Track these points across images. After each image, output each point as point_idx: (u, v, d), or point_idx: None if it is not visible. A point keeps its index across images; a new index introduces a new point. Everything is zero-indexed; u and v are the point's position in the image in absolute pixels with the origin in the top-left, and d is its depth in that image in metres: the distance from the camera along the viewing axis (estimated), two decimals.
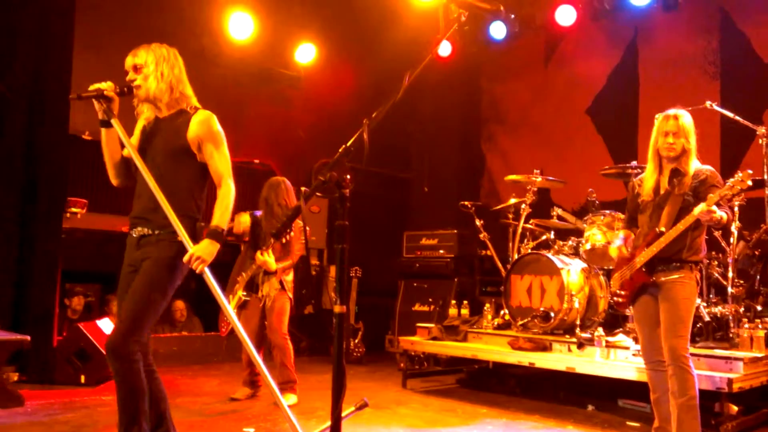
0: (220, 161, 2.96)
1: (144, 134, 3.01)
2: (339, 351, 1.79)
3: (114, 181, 3.06)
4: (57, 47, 5.48)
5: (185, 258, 2.78)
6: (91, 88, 2.82)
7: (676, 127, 3.45)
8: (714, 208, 3.21)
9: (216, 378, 5.69)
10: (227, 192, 2.94)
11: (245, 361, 4.83)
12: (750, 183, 3.25)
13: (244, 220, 4.96)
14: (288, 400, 4.63)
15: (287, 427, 3.84)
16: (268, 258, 4.71)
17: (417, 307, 7.03)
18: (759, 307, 4.80)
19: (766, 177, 4.91)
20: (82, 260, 6.14)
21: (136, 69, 2.92)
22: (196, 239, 2.84)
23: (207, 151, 2.95)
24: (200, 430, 3.86)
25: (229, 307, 2.79)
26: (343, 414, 2.28)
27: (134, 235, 2.94)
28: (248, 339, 2.78)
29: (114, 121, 2.84)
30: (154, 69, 2.90)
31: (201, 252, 2.79)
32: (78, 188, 5.67)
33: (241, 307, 4.84)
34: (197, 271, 2.79)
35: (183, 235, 2.78)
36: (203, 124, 2.94)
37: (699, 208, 3.23)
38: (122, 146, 2.92)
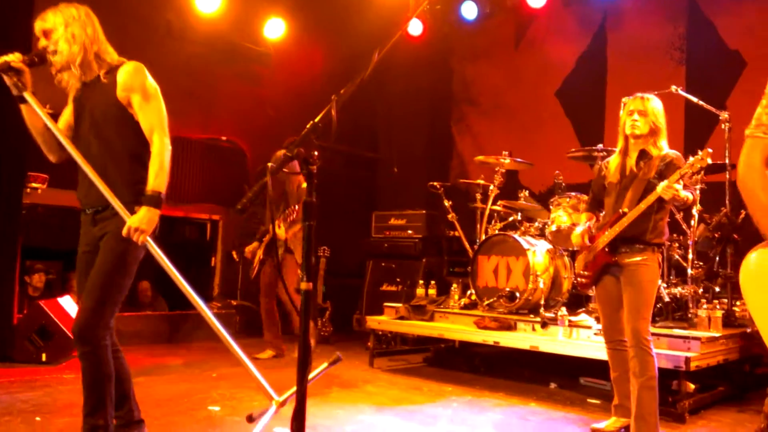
0: (150, 113, 2.72)
1: (76, 105, 2.82)
2: (305, 328, 1.79)
3: (51, 158, 2.87)
4: (16, 20, 5.29)
5: (123, 231, 2.59)
6: None
7: (642, 106, 3.50)
8: (677, 186, 3.26)
9: (181, 357, 5.65)
10: (161, 148, 2.69)
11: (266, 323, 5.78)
12: (709, 161, 3.31)
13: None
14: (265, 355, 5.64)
15: (254, 405, 3.85)
16: (277, 230, 5.56)
17: (385, 287, 7.07)
18: (717, 288, 4.95)
19: (727, 161, 5.02)
20: (43, 237, 6.01)
21: (46, 34, 2.71)
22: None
23: (135, 102, 2.72)
24: (165, 409, 3.83)
25: (183, 279, 2.61)
26: (317, 370, 2.27)
27: (88, 212, 2.78)
28: (211, 313, 2.70)
29: (27, 95, 2.64)
30: (64, 31, 2.69)
31: (139, 222, 2.60)
32: (38, 163, 5.51)
33: (262, 263, 5.79)
34: (139, 243, 2.61)
35: (118, 207, 2.60)
36: (130, 75, 2.73)
37: (661, 186, 3.29)
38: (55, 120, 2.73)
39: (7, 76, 2.62)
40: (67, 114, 2.86)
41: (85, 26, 2.74)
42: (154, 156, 2.71)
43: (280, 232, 5.59)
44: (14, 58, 2.62)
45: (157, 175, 2.69)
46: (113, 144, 2.74)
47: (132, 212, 2.65)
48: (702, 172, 3.53)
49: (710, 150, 3.30)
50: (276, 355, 5.76)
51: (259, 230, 6.01)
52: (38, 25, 2.74)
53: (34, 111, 2.70)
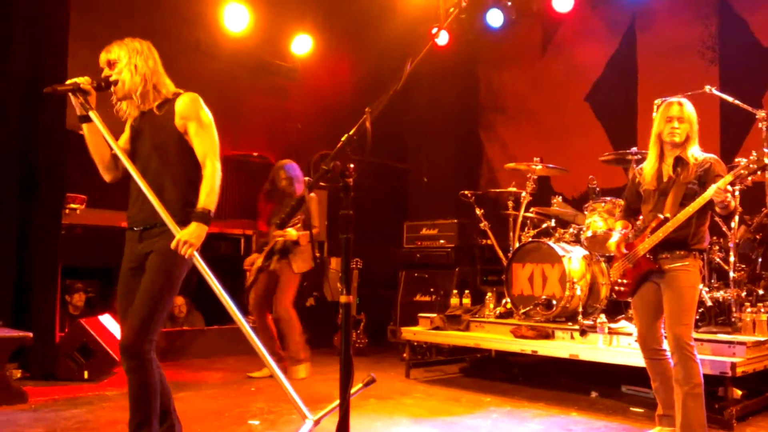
0: (204, 140, 2.91)
1: (133, 131, 3.00)
2: (346, 340, 1.78)
3: (106, 177, 3.04)
4: (52, 41, 5.44)
5: (172, 244, 2.74)
6: (68, 82, 2.81)
7: (680, 113, 3.42)
8: (729, 188, 3.18)
9: (219, 371, 5.69)
10: (212, 171, 2.88)
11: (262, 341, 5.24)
12: (767, 160, 3.21)
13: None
14: (298, 374, 5.24)
15: (293, 418, 3.86)
16: (288, 235, 5.26)
17: (418, 298, 7.03)
18: (761, 291, 4.81)
19: (766, 161, 4.89)
20: (82, 256, 6.12)
21: (110, 64, 2.92)
22: None
23: (191, 130, 2.91)
24: (205, 424, 3.86)
25: (225, 292, 2.72)
26: (352, 391, 2.26)
27: (135, 229, 2.91)
28: (246, 322, 2.75)
29: (92, 114, 2.82)
30: (127, 62, 2.90)
31: (188, 236, 2.74)
32: (76, 184, 5.65)
33: (259, 271, 5.43)
34: (186, 256, 2.76)
35: (169, 222, 2.74)
36: (187, 105, 2.92)
37: (713, 188, 3.19)
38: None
39: (75, 96, 2.80)
40: (124, 139, 3.03)
41: (147, 59, 2.95)
42: (207, 178, 2.88)
43: (292, 233, 5.27)
44: (84, 80, 2.82)
45: (208, 194, 2.85)
46: (171, 166, 2.90)
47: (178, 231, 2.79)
48: (759, 173, 3.43)
49: (754, 153, 3.23)
50: (272, 375, 5.46)
51: (258, 243, 5.75)
52: (104, 56, 2.94)
53: (96, 130, 2.86)
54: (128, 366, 2.77)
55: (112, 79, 2.90)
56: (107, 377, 5.19)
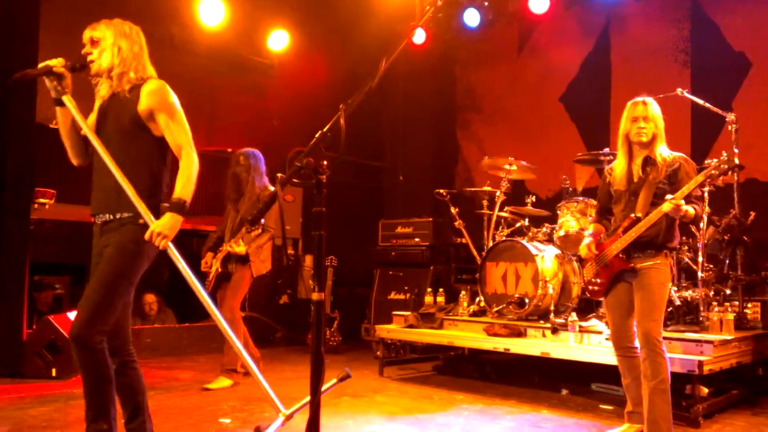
0: (177, 131, 2.82)
1: (100, 111, 2.91)
2: (318, 338, 1.77)
3: (74, 161, 2.97)
4: (22, 32, 5.33)
5: (146, 235, 2.66)
6: (40, 65, 2.73)
7: (645, 112, 3.46)
8: (682, 202, 3.24)
9: (191, 369, 5.63)
10: (189, 162, 2.80)
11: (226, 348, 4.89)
12: (737, 161, 3.26)
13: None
14: (219, 383, 4.77)
15: (265, 416, 3.84)
16: (236, 248, 4.82)
17: (393, 296, 7.05)
18: (728, 291, 4.91)
19: (736, 161, 4.98)
20: (51, 252, 6.01)
21: (93, 42, 2.83)
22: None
23: (161, 121, 2.82)
24: (176, 422, 3.82)
25: (200, 285, 2.67)
26: (326, 386, 2.26)
27: (98, 222, 2.85)
28: (224, 320, 2.72)
29: (66, 98, 2.75)
30: (112, 43, 2.82)
31: (162, 227, 2.67)
32: (46, 178, 5.54)
33: (219, 277, 4.96)
34: (160, 248, 2.68)
35: (144, 212, 2.67)
36: (154, 94, 2.82)
37: (667, 205, 3.23)
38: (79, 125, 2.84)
39: (48, 79, 2.73)
40: (91, 120, 2.93)
41: (133, 44, 2.87)
42: (183, 169, 2.80)
43: (240, 249, 4.81)
44: (56, 63, 2.75)
45: (185, 185, 2.78)
46: (126, 156, 2.77)
47: (136, 224, 2.73)
48: (730, 174, 3.47)
49: (736, 150, 3.27)
50: (235, 383, 4.83)
51: (210, 238, 5.22)
52: (88, 33, 2.85)
53: (69, 114, 2.80)
54: (79, 358, 2.67)
55: (91, 57, 2.81)
56: (75, 375, 5.10)
